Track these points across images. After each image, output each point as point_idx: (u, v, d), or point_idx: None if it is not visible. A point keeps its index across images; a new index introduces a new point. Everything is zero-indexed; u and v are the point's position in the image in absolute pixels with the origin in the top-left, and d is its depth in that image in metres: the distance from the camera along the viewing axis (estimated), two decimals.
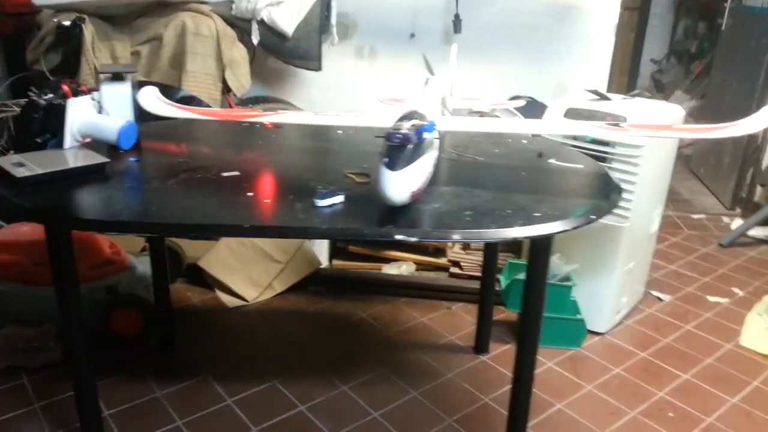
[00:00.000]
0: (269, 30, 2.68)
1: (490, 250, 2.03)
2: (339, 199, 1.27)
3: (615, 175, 1.93)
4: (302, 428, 1.71)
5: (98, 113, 1.54)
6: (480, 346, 2.10)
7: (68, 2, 2.57)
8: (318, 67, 2.80)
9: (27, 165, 1.36)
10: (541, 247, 1.36)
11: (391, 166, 1.18)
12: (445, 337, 2.17)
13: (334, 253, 2.65)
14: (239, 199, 1.30)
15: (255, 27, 2.68)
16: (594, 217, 1.27)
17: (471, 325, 2.21)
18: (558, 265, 2.10)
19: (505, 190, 1.40)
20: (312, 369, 1.97)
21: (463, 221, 1.22)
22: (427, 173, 1.29)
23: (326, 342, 2.13)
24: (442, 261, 2.58)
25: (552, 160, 1.60)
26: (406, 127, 1.23)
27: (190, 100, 2.50)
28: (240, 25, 2.72)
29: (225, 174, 1.43)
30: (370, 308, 2.33)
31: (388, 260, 2.60)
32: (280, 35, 2.67)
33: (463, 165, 1.57)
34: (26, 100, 1.47)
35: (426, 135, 1.27)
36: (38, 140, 1.47)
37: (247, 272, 2.39)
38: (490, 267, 2.03)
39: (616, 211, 2.02)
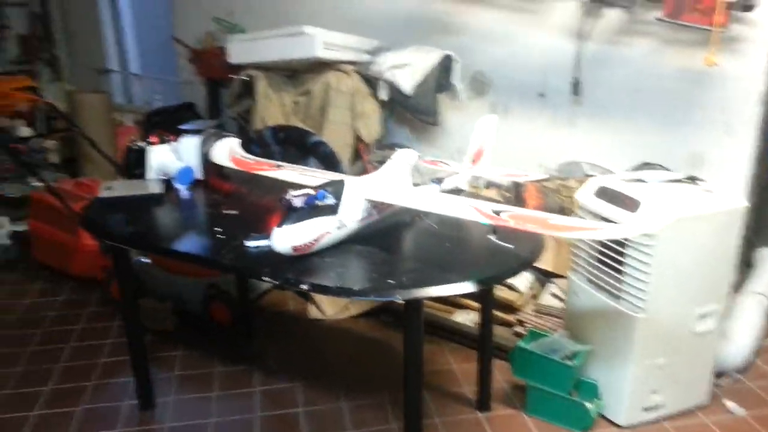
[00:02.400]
0: (394, 88, 3.09)
1: (485, 308, 2.13)
2: (265, 242, 1.64)
3: (628, 262, 1.91)
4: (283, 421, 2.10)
5: (176, 158, 2.16)
6: (482, 403, 2.20)
7: (256, 61, 3.33)
8: (435, 122, 3.12)
9: (113, 188, 2.04)
10: (412, 309, 1.54)
11: (278, 224, 1.53)
12: (460, 387, 2.32)
13: None
14: (209, 231, 1.77)
15: (382, 85, 3.12)
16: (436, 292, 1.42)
17: (493, 382, 2.31)
18: (561, 342, 2.09)
19: (410, 256, 1.61)
20: (321, 378, 2.33)
21: (333, 275, 1.49)
22: (319, 233, 1.57)
23: (359, 362, 2.46)
24: (510, 317, 2.68)
25: (492, 237, 1.71)
26: (293, 195, 1.55)
27: (318, 145, 3.07)
28: (374, 83, 3.19)
29: (225, 211, 1.91)
30: None
31: (461, 306, 2.79)
32: (403, 93, 3.06)
33: (411, 230, 1.79)
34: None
35: (321, 202, 1.57)
36: (135, 172, 2.15)
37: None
38: (484, 325, 2.13)
39: (628, 299, 1.97)
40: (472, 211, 1.54)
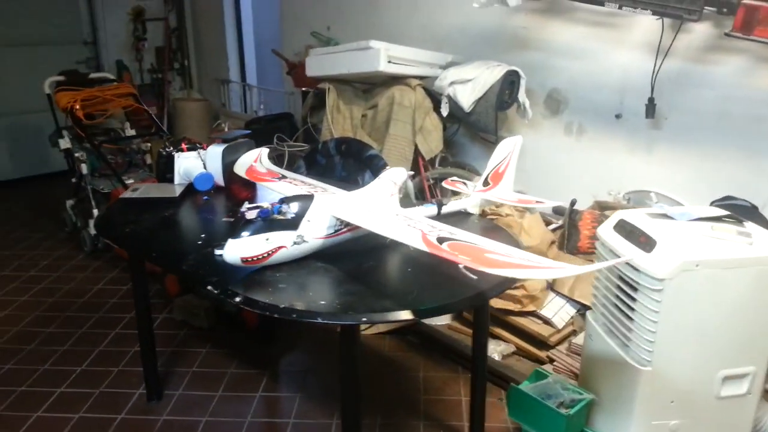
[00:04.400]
0: (455, 104, 2.99)
1: (477, 334, 1.96)
2: None
3: (638, 308, 1.68)
4: None
5: (201, 165, 2.24)
6: None
7: (328, 74, 3.40)
8: (495, 140, 2.95)
9: (138, 190, 2.17)
10: (345, 335, 1.46)
11: (231, 234, 1.53)
12: (461, 420, 2.16)
13: (458, 316, 2.79)
14: (192, 237, 1.82)
15: (444, 101, 3.03)
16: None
17: (498, 421, 2.13)
18: (560, 386, 1.87)
19: (362, 278, 1.52)
20: (326, 392, 2.29)
21: (272, 290, 1.46)
22: (272, 247, 1.53)
23: (369, 380, 2.38)
24: (541, 353, 2.45)
25: (461, 266, 1.57)
26: (247, 207, 1.54)
27: (373, 158, 3.05)
28: (438, 99, 3.10)
29: (224, 219, 1.95)
30: (433, 370, 2.45)
31: (493, 336, 2.61)
32: (462, 108, 2.95)
33: (384, 251, 1.69)
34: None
35: (278, 216, 1.54)
36: (167, 176, 2.26)
37: None
38: (475, 357, 1.96)
39: (635, 349, 1.72)
40: (417, 238, 1.42)
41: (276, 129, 4.02)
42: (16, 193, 4.84)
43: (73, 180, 3.67)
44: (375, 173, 3.07)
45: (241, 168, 2.16)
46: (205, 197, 2.16)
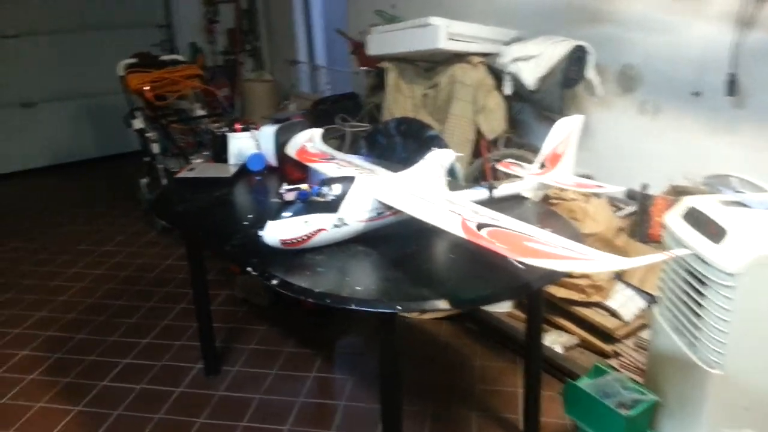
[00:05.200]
0: (518, 82, 2.86)
1: (531, 324, 1.87)
2: None
3: (707, 304, 1.55)
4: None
5: (254, 145, 2.25)
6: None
7: (388, 53, 3.33)
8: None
9: (194, 169, 2.21)
10: (385, 323, 1.42)
11: (272, 216, 1.52)
12: (515, 413, 2.09)
13: (519, 304, 2.69)
14: (238, 217, 1.82)
15: (507, 79, 2.90)
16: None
17: (555, 416, 2.05)
18: (621, 385, 1.76)
19: (401, 264, 1.47)
20: (377, 376, 2.26)
21: (310, 274, 1.44)
22: (312, 229, 1.51)
23: (423, 366, 2.35)
24: (607, 347, 2.33)
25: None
26: (286, 188, 1.52)
27: (433, 139, 2.98)
28: (501, 76, 2.98)
29: (272, 199, 1.95)
30: (490, 359, 2.38)
31: (557, 327, 2.51)
32: (526, 87, 2.82)
33: (429, 236, 1.63)
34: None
35: (317, 198, 1.51)
36: (222, 156, 2.29)
37: None
38: (529, 347, 1.87)
39: (703, 349, 1.59)
40: (456, 223, 1.35)
41: (341, 109, 4.00)
42: (99, 172, 5.09)
43: (146, 159, 3.80)
44: None
45: (292, 148, 2.15)
46: (258, 177, 2.17)
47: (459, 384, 2.25)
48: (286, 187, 1.53)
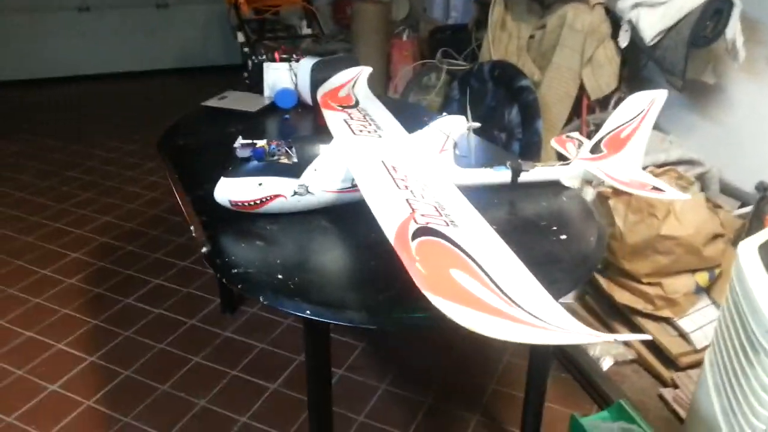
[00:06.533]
0: (637, 33, 2.32)
1: (534, 362, 1.52)
2: None
3: (753, 375, 1.15)
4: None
5: (292, 79, 2.02)
6: None
7: None
8: (680, 87, 2.25)
9: (225, 98, 2.05)
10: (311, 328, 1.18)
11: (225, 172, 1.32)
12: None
13: (581, 299, 2.29)
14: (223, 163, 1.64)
15: (625, 28, 2.37)
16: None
17: None
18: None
19: (364, 251, 1.22)
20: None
21: (247, 245, 1.24)
22: (266, 194, 1.28)
23: (435, 355, 2.08)
24: (666, 373, 1.91)
25: None
26: (241, 143, 1.29)
27: (523, 90, 2.57)
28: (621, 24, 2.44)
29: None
30: (518, 357, 2.06)
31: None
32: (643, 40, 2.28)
33: None
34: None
35: (275, 158, 1.28)
36: (259, 87, 2.10)
37: None
38: (531, 369, 1.53)
39: (737, 426, 1.19)
40: (396, 221, 1.04)
41: (457, 41, 3.62)
42: (225, 79, 5.16)
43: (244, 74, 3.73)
44: (522, 109, 2.60)
45: (325, 88, 1.90)
46: (286, 116, 1.96)
47: (471, 380, 1.97)
48: (241, 141, 1.32)
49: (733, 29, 2.14)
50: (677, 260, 1.89)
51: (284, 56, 2.05)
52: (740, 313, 1.22)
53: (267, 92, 2.06)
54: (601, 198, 2.01)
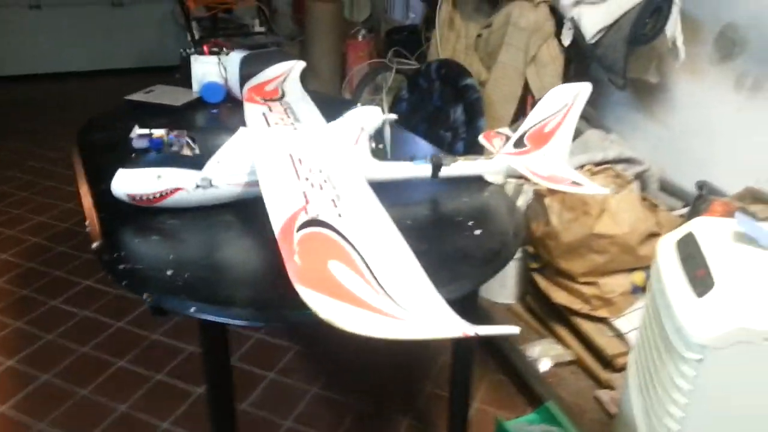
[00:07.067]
0: (578, 31, 2.30)
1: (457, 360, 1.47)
2: None
3: (662, 375, 1.11)
4: None
5: (221, 73, 1.96)
6: None
7: None
8: (622, 86, 2.24)
9: (152, 92, 1.97)
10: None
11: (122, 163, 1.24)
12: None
13: (522, 299, 2.25)
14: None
15: (568, 26, 2.35)
16: None
17: None
18: None
19: (265, 245, 1.16)
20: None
21: (143, 241, 1.18)
22: (166, 187, 1.22)
23: (374, 355, 2.03)
24: (603, 374, 1.87)
25: None
26: (138, 133, 1.23)
27: (468, 89, 2.54)
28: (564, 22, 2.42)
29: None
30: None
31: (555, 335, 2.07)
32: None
33: None
34: None
35: (174, 148, 1.22)
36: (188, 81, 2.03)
37: None
38: (455, 364, 1.48)
39: (650, 427, 1.15)
40: (286, 212, 0.99)
41: (414, 41, 3.58)
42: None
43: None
44: (467, 108, 2.56)
45: (252, 83, 1.84)
46: (214, 111, 1.90)
47: (407, 383, 1.92)
48: (138, 131, 1.25)
49: (673, 27, 2.13)
50: (612, 259, 1.86)
51: (214, 49, 1.98)
52: (656, 309, 1.18)
53: (195, 87, 1.99)
54: (537, 196, 1.97)
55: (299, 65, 1.87)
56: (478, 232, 1.24)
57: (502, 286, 2.24)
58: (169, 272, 1.07)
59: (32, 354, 1.97)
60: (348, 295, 0.80)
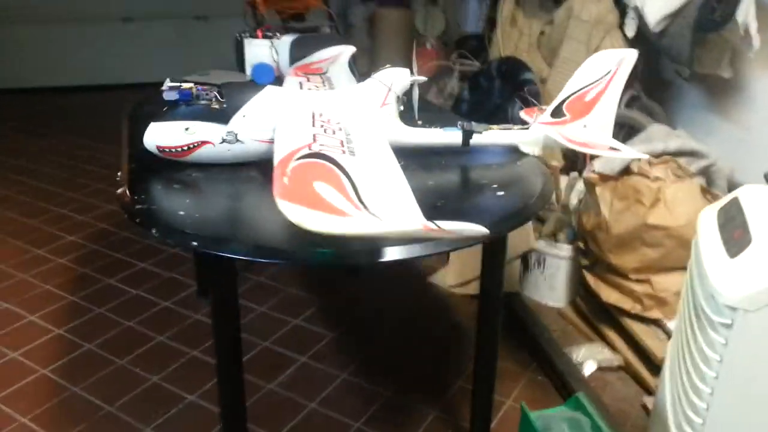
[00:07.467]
0: (643, 20, 2.19)
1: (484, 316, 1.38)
2: None
3: (694, 345, 1.01)
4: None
5: (273, 56, 1.99)
6: None
7: None
8: (687, 75, 2.11)
9: (207, 75, 2.03)
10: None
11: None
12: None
13: (572, 303, 2.12)
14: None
15: (631, 15, 2.24)
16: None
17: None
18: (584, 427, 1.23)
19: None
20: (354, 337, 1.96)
21: (168, 192, 1.20)
22: (194, 140, 1.23)
23: (409, 344, 1.97)
24: (653, 380, 1.72)
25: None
26: (169, 85, 1.25)
27: (527, 83, 2.48)
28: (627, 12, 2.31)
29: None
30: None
31: (602, 338, 1.93)
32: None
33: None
34: None
35: (202, 101, 1.24)
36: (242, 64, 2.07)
37: (462, 263, 2.31)
38: (480, 346, 1.40)
39: (678, 406, 1.04)
40: (287, 147, 0.97)
41: (483, 47, 3.55)
42: None
43: None
44: (524, 102, 2.47)
45: (299, 63, 1.86)
46: None
47: (439, 376, 1.84)
48: (168, 83, 1.28)
49: (745, 12, 1.98)
50: (667, 254, 1.72)
51: (268, 33, 2.03)
52: (691, 281, 1.07)
53: (248, 69, 2.03)
54: (589, 186, 1.87)
55: (349, 49, 1.87)
56: (501, 193, 1.18)
57: (551, 289, 2.14)
58: (181, 212, 1.09)
59: (80, 325, 2.04)
60: (326, 206, 0.77)
